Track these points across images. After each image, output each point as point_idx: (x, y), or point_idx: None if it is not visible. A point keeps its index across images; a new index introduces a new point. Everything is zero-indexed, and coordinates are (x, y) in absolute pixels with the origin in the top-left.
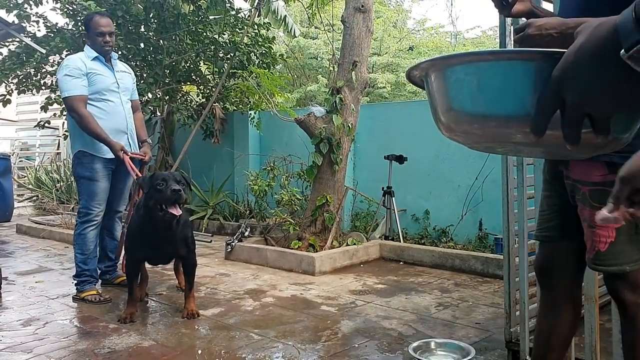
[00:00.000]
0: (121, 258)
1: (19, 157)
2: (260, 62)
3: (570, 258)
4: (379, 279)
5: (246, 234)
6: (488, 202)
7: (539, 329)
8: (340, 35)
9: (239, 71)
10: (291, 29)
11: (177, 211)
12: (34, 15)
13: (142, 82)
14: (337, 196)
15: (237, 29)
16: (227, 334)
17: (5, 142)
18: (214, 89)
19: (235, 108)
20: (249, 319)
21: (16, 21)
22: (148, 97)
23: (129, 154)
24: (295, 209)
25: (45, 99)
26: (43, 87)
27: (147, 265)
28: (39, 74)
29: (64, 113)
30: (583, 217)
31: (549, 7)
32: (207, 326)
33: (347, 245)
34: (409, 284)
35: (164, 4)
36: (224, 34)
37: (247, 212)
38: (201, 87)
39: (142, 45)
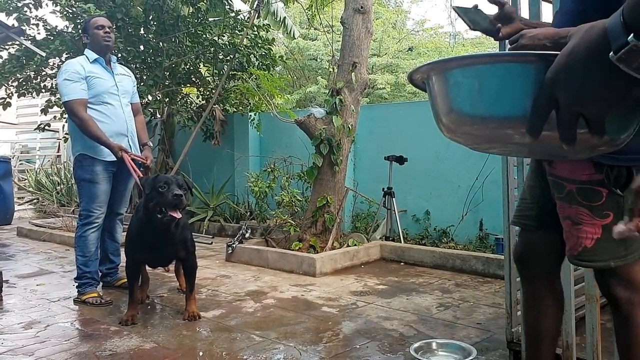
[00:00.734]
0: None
1: (20, 160)
2: (260, 63)
3: (548, 248)
4: (379, 279)
5: (247, 235)
6: (488, 203)
7: (525, 321)
8: (339, 37)
9: (239, 73)
10: (291, 30)
11: (176, 215)
12: (33, 19)
13: (142, 84)
14: (337, 197)
15: (236, 31)
16: (228, 336)
17: (6, 145)
18: (213, 91)
19: (235, 110)
20: (250, 320)
21: (16, 24)
22: (148, 100)
23: (129, 153)
24: (296, 210)
25: (46, 101)
26: (43, 90)
27: (147, 267)
28: (39, 77)
29: (64, 116)
30: (565, 214)
31: (548, 7)
32: (208, 328)
33: (348, 246)
34: (410, 285)
35: (164, 6)
36: (224, 36)
37: (248, 213)
38: (201, 89)
39: (141, 47)
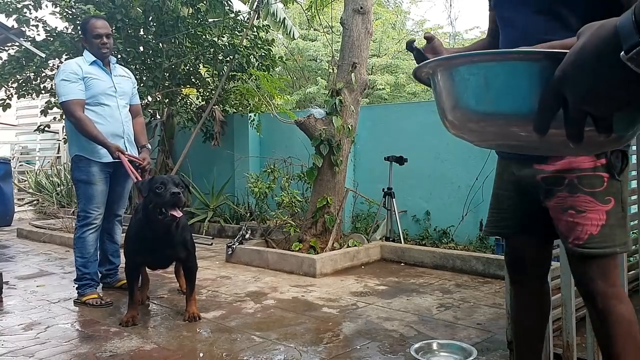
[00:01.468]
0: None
1: (19, 161)
2: (260, 64)
3: (534, 250)
4: (380, 280)
5: (247, 236)
6: (488, 203)
7: (514, 322)
8: (339, 37)
9: (239, 74)
10: (290, 31)
11: (177, 213)
12: (33, 20)
13: (141, 85)
14: (337, 198)
15: (236, 32)
16: (229, 337)
17: (6, 146)
18: (213, 92)
19: (235, 110)
20: (251, 321)
21: (15, 25)
22: (148, 100)
23: (126, 154)
24: (296, 210)
25: (45, 103)
26: (43, 92)
27: (147, 269)
28: (38, 78)
29: (64, 117)
30: (567, 205)
31: None
32: (209, 329)
33: (348, 246)
34: (410, 285)
35: (163, 7)
36: (223, 37)
37: (248, 214)
38: (201, 90)
39: (141, 48)
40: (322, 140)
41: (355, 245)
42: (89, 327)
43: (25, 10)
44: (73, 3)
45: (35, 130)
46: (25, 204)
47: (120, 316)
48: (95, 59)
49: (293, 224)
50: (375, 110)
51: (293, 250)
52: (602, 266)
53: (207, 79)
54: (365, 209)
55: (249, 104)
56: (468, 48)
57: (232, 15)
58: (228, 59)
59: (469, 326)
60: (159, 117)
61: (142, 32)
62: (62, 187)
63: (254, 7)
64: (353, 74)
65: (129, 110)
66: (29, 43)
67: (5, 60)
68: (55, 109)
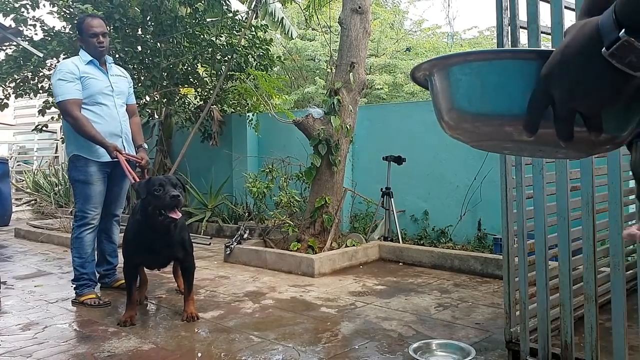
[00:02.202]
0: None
1: (17, 161)
2: (258, 64)
3: None
4: (378, 280)
5: (245, 236)
6: (487, 202)
7: None
8: (337, 37)
9: (237, 73)
10: (288, 30)
11: (176, 214)
12: (31, 19)
13: (139, 85)
14: (335, 197)
15: (234, 31)
16: (227, 337)
17: (3, 146)
18: (211, 92)
19: (233, 110)
20: (249, 321)
21: (13, 25)
22: (146, 100)
23: (123, 153)
24: (294, 210)
25: (43, 102)
26: (40, 91)
27: (145, 269)
28: (36, 78)
29: (61, 117)
30: None
31: (546, 7)
32: (207, 329)
33: (346, 246)
34: (409, 285)
35: (161, 6)
36: (222, 37)
37: (246, 214)
38: (199, 90)
39: (139, 48)
40: (320, 140)
41: (354, 245)
42: (86, 327)
43: (22, 9)
44: (71, 2)
45: (33, 130)
46: (23, 203)
47: (118, 316)
48: (91, 58)
49: (291, 223)
50: (374, 110)
51: (291, 250)
52: None
53: (205, 79)
54: (363, 209)
55: (247, 104)
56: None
57: (230, 14)
58: (226, 58)
59: (468, 326)
60: (157, 117)
61: (140, 32)
62: (59, 187)
63: (252, 6)
64: (351, 73)
65: (125, 110)
66: (27, 42)
67: (2, 59)
68: (53, 109)
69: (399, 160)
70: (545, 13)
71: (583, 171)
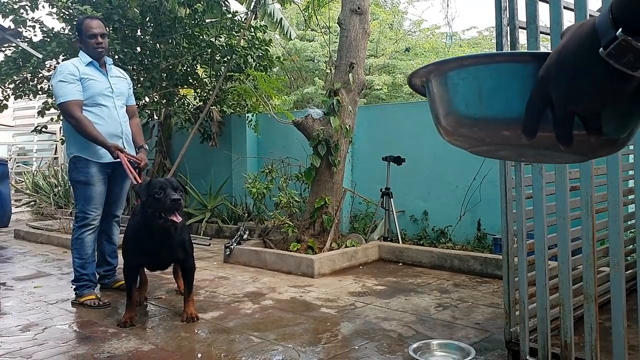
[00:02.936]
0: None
1: (17, 162)
2: (257, 64)
3: None
4: (378, 280)
5: (245, 236)
6: (486, 202)
7: None
8: (336, 38)
9: (236, 74)
10: (287, 31)
11: (177, 218)
12: (30, 20)
13: (139, 86)
14: (335, 198)
15: (233, 32)
16: (227, 337)
17: (3, 147)
18: (211, 92)
19: (232, 111)
20: (249, 321)
21: (12, 26)
22: (145, 101)
23: (125, 152)
24: (294, 211)
25: (42, 103)
26: (40, 92)
27: (145, 270)
28: (35, 79)
29: (61, 118)
30: None
31: (544, 7)
32: (207, 329)
33: (346, 247)
34: (408, 285)
35: (161, 7)
36: (221, 37)
37: (246, 214)
38: (198, 91)
39: (138, 49)
40: (319, 140)
41: (353, 246)
42: (86, 328)
43: (22, 10)
44: (70, 4)
45: (32, 131)
46: (22, 205)
47: (118, 317)
48: (91, 59)
49: (291, 224)
50: (373, 111)
51: (291, 251)
52: None
53: (204, 80)
54: (363, 209)
55: (247, 105)
56: None
57: (230, 15)
58: (225, 59)
59: (467, 326)
60: (157, 118)
61: (139, 33)
62: (59, 188)
63: (251, 7)
64: (351, 74)
65: (125, 111)
66: (26, 44)
67: (2, 61)
68: (52, 110)
69: (398, 160)
70: (544, 13)
71: (582, 171)
